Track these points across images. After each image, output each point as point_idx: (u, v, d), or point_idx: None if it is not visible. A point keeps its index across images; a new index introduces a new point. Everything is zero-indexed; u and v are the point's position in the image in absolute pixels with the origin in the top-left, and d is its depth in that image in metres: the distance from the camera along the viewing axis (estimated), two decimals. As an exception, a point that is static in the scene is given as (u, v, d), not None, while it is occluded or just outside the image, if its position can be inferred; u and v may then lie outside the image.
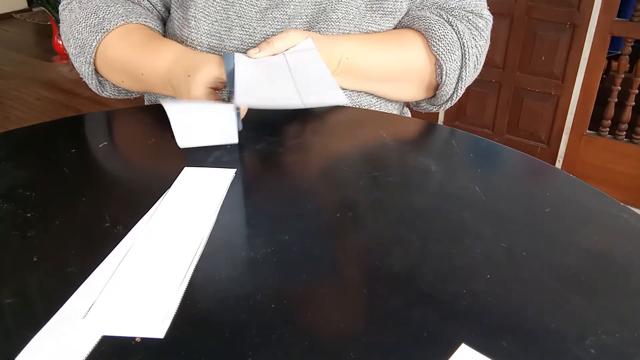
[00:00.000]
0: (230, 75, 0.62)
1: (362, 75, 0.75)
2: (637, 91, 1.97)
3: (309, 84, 0.63)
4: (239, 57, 0.65)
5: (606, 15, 1.89)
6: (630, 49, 1.95)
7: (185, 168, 0.58)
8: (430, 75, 0.77)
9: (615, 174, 2.07)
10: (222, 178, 0.56)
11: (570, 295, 0.42)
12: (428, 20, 0.75)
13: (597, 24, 1.92)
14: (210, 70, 0.63)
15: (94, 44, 0.71)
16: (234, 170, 0.58)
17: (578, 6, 1.93)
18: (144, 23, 0.74)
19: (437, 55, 0.74)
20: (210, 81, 0.64)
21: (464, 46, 0.75)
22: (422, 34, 0.75)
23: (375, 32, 0.76)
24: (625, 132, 2.04)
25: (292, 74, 0.64)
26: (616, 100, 2.02)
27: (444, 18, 0.75)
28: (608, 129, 2.07)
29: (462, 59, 0.75)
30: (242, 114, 0.64)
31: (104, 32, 0.71)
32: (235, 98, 0.59)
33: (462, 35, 0.74)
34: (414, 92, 0.81)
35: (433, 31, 0.74)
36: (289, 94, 0.62)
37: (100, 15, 0.72)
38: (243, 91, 0.60)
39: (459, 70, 0.76)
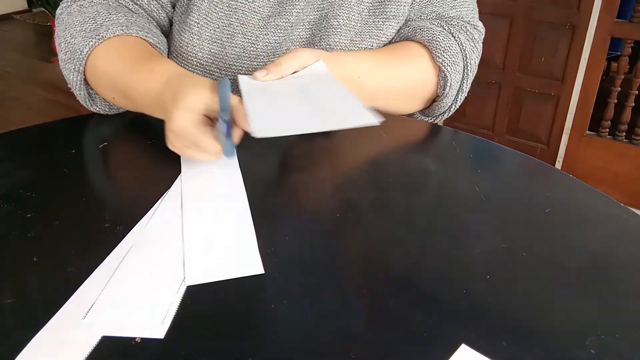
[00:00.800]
0: (225, 104, 0.54)
1: (373, 94, 0.72)
2: (636, 92, 1.98)
3: (331, 107, 0.55)
4: (243, 81, 0.59)
5: (606, 16, 1.90)
6: (630, 50, 1.95)
7: (185, 168, 0.58)
8: (433, 87, 0.75)
9: (615, 174, 2.07)
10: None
11: (570, 295, 0.42)
12: (431, 32, 0.73)
13: (596, 24, 1.92)
14: (199, 97, 0.54)
15: (85, 50, 0.65)
16: (234, 170, 0.58)
17: (578, 7, 1.93)
18: (145, 38, 0.68)
19: (443, 67, 0.72)
20: (198, 109, 0.54)
21: (466, 58, 0.74)
22: (426, 45, 0.73)
23: (377, 36, 0.75)
24: (624, 133, 2.04)
25: (307, 99, 0.56)
26: (616, 101, 2.02)
27: (445, 29, 0.75)
28: (608, 129, 2.07)
29: (464, 70, 0.75)
30: (237, 140, 0.57)
31: (98, 39, 0.65)
32: (251, 129, 0.50)
33: (464, 47, 0.74)
34: (415, 105, 0.79)
35: (437, 42, 0.72)
36: (310, 118, 0.53)
37: (99, 22, 0.67)
38: (258, 120, 0.50)
39: (460, 82, 0.75)
